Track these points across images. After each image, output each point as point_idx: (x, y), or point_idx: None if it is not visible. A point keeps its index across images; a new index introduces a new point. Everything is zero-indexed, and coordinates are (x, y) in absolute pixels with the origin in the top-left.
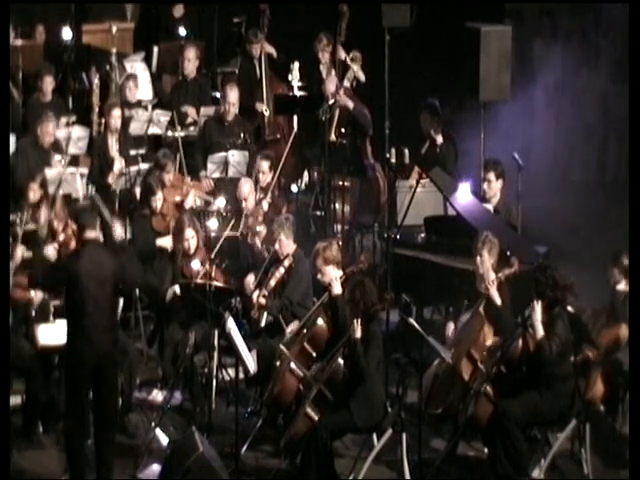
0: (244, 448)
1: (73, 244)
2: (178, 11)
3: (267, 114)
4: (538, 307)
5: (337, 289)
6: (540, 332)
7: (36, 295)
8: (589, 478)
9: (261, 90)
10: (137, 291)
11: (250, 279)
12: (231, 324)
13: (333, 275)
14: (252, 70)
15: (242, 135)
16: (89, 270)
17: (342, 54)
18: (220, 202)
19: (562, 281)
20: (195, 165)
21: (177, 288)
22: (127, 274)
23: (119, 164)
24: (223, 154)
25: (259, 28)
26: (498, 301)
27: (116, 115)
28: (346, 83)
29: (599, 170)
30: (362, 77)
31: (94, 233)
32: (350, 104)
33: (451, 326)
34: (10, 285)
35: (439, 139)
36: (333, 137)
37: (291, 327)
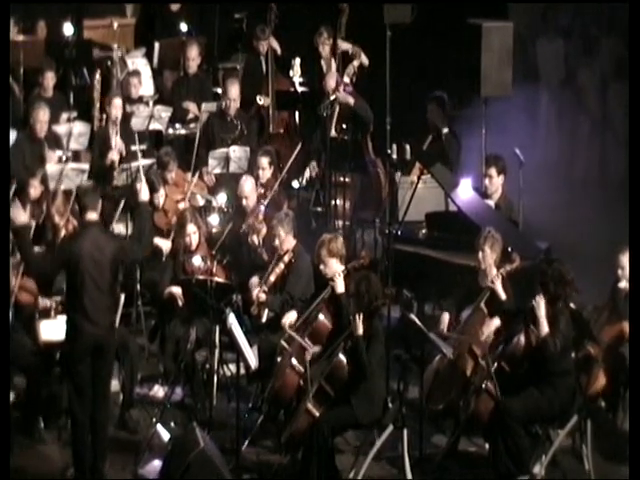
0: (245, 444)
1: None
2: (175, 5)
3: (261, 102)
4: (542, 303)
5: (340, 287)
6: (545, 328)
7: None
8: (590, 474)
9: (267, 86)
10: (138, 287)
11: (255, 280)
12: (232, 320)
13: (335, 269)
14: (258, 66)
15: (239, 127)
16: (89, 251)
17: (344, 46)
18: (221, 198)
19: (567, 276)
20: (198, 161)
21: (174, 289)
22: (128, 256)
23: (118, 155)
24: (224, 150)
25: (265, 24)
26: (503, 296)
27: (117, 104)
28: (346, 78)
29: (601, 166)
30: (366, 61)
31: (95, 215)
32: (351, 100)
33: (446, 317)
34: (15, 286)
35: (444, 132)
36: (334, 133)
37: (288, 319)
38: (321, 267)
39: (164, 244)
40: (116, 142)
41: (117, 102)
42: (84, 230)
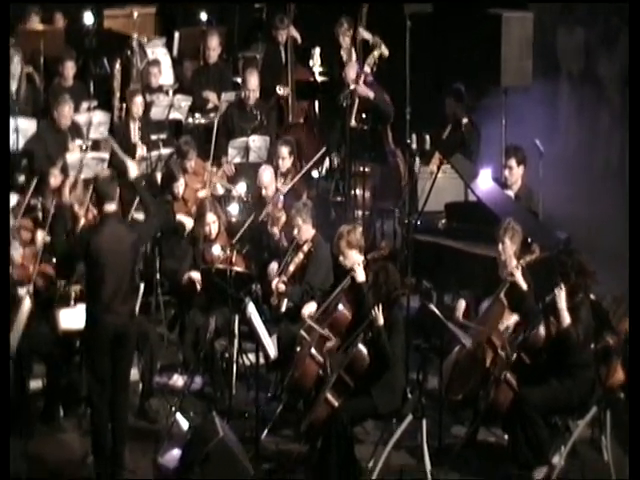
0: (264, 433)
1: None
2: None
3: (281, 92)
4: (562, 293)
5: (361, 276)
6: (567, 319)
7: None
8: (609, 465)
9: (286, 75)
10: (158, 276)
11: (274, 266)
12: (252, 309)
13: (355, 260)
14: (278, 55)
15: (259, 117)
16: (109, 243)
17: (365, 35)
18: (241, 187)
19: (587, 267)
20: (218, 150)
21: (193, 274)
22: (146, 240)
23: (140, 150)
24: (244, 139)
25: (285, 14)
26: (524, 286)
27: (138, 102)
28: (367, 68)
29: (621, 157)
30: (386, 52)
31: (113, 206)
32: (370, 94)
33: (462, 304)
34: (33, 273)
35: (464, 122)
36: (354, 123)
37: (307, 310)
38: (340, 259)
39: (187, 221)
40: (137, 142)
41: (138, 100)
42: (103, 221)
